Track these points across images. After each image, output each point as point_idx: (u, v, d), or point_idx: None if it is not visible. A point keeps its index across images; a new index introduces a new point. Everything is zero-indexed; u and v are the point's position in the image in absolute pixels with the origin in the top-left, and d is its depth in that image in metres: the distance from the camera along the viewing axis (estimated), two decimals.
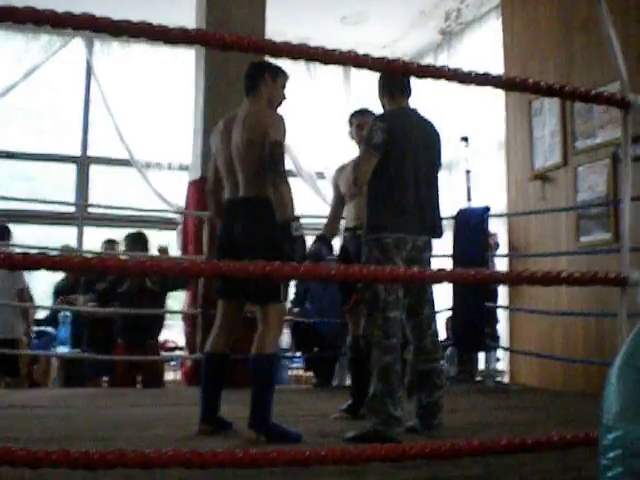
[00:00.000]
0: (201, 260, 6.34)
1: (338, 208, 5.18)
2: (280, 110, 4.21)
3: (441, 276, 1.84)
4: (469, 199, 8.11)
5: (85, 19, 1.43)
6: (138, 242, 7.31)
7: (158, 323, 7.32)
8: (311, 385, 7.71)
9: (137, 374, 7.26)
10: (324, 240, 4.96)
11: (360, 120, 5.01)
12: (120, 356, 7.00)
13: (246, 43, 1.53)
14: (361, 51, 7.27)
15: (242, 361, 5.33)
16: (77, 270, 2.32)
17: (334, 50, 1.62)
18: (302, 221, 3.97)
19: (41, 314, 8.43)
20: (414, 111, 4.30)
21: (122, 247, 7.61)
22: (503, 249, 8.22)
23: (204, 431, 4.06)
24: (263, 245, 3.95)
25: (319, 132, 10.82)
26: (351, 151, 5.33)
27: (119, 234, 8.10)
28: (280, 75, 4.26)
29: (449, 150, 8.21)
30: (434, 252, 4.36)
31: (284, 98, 4.27)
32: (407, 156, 4.06)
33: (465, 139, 8.57)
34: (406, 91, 4.30)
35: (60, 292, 8.01)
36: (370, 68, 1.73)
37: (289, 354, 8.53)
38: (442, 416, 4.13)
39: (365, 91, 10.12)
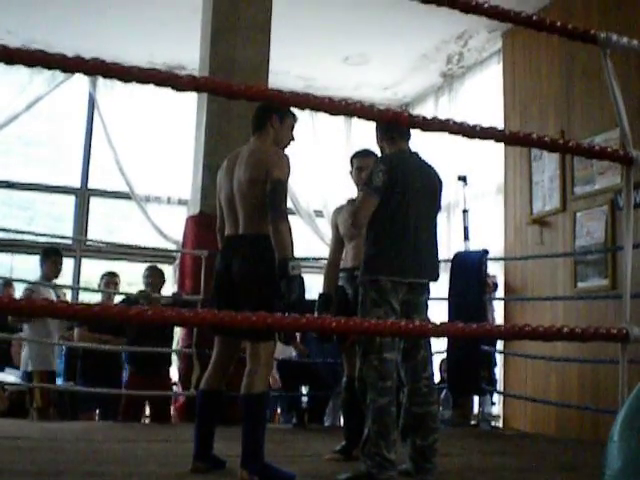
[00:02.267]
0: (202, 308, 6.30)
1: (336, 254, 5.14)
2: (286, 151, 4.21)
3: (442, 330, 1.84)
4: (466, 238, 8.07)
5: (94, 64, 1.44)
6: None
7: (168, 353, 7.28)
8: (291, 425, 7.53)
9: (145, 407, 7.23)
10: (327, 299, 4.93)
11: (361, 162, 5.00)
12: (131, 388, 6.96)
13: (254, 92, 1.54)
14: (363, 92, 7.28)
15: (237, 398, 5.31)
16: (79, 317, 2.29)
17: (340, 101, 1.63)
18: (300, 261, 3.98)
19: None
20: (415, 154, 4.31)
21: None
22: (500, 291, 8.21)
23: (197, 469, 4.03)
24: (261, 283, 3.95)
25: (318, 170, 10.86)
26: (351, 191, 5.33)
27: (117, 267, 8.09)
28: (288, 117, 4.25)
29: (447, 191, 8.23)
30: (431, 295, 4.35)
31: (292, 139, 4.28)
32: (407, 199, 4.07)
33: (463, 178, 8.55)
34: (406, 135, 4.32)
35: None
36: (375, 119, 1.74)
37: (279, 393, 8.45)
38: (436, 460, 4.10)
39: (365, 130, 10.17)
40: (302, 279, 3.91)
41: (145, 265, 7.72)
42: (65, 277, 9.22)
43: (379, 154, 4.46)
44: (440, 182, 4.34)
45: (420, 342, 4.15)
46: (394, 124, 4.25)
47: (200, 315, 1.49)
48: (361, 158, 5.03)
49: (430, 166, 4.32)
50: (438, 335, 2.00)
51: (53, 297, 6.91)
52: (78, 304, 1.48)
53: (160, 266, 7.76)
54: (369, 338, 4.00)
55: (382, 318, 3.92)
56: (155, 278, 7.32)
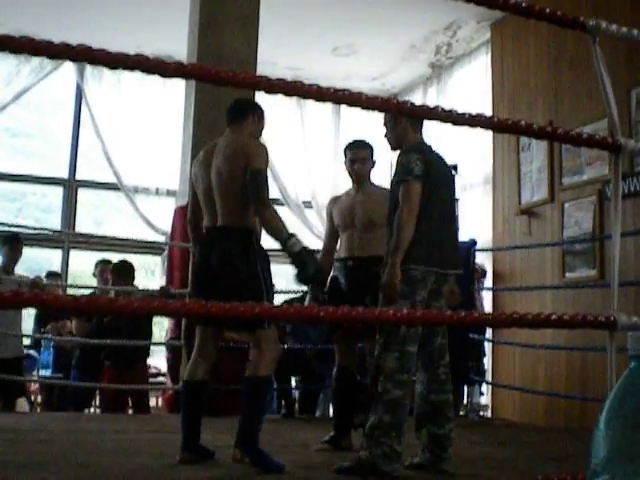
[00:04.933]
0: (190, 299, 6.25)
1: (331, 242, 5.09)
2: (262, 139, 4.27)
3: (431, 318, 1.84)
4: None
5: (81, 50, 1.44)
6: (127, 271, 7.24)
7: (145, 346, 7.22)
8: (280, 415, 7.50)
9: (126, 398, 7.19)
10: (318, 284, 4.89)
11: (354, 155, 4.92)
12: (107, 381, 6.91)
13: (241, 79, 1.53)
14: (351, 82, 7.26)
15: (224, 391, 5.31)
16: (68, 309, 2.29)
17: (328, 88, 1.62)
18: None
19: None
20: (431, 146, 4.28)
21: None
22: (489, 281, 8.22)
23: (185, 460, 4.02)
24: (241, 274, 3.95)
25: (307, 161, 10.86)
26: (342, 181, 5.31)
27: (106, 257, 8.05)
28: (264, 118, 4.37)
29: None
30: None
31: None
32: (434, 190, 4.00)
33: (454, 167, 8.49)
34: (421, 125, 4.26)
35: (43, 316, 7.94)
36: (363, 107, 1.73)
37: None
38: (452, 450, 4.07)
39: (354, 121, 10.19)
40: (309, 251, 3.94)
41: (135, 256, 7.69)
42: (54, 268, 9.22)
43: (376, 144, 4.42)
44: (453, 174, 4.33)
45: (437, 329, 4.09)
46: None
47: (187, 306, 1.49)
48: (355, 150, 4.95)
49: (444, 158, 4.27)
50: (427, 323, 2.00)
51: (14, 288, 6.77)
52: (66, 296, 1.48)
53: (149, 257, 7.72)
54: (392, 328, 3.87)
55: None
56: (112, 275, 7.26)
